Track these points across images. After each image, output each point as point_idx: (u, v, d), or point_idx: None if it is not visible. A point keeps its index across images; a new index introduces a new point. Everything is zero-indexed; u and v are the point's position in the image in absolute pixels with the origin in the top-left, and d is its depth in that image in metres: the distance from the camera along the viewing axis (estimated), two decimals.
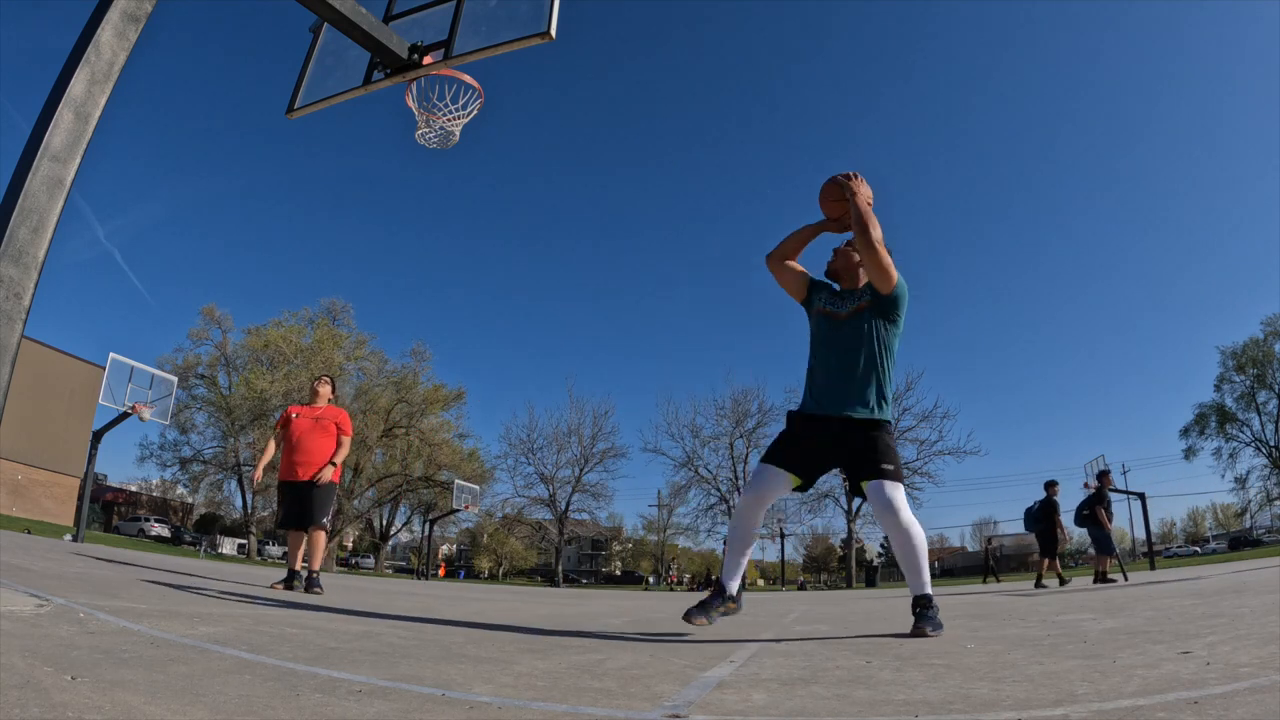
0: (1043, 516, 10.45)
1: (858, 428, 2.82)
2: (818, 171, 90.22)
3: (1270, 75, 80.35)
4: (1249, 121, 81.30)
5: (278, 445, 5.98)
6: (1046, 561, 10.40)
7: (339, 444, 5.80)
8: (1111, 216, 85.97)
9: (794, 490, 2.93)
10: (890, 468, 2.75)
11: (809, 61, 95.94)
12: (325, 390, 6.05)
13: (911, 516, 2.71)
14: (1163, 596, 4.89)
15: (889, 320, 2.91)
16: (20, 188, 2.36)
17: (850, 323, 2.93)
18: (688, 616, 2.90)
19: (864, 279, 3.00)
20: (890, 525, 2.72)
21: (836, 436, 2.84)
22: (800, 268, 3.17)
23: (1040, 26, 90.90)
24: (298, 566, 5.85)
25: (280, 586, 5.61)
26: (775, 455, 2.91)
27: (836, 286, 3.14)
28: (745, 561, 3.06)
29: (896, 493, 2.71)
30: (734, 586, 2.99)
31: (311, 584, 5.45)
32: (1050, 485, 10.66)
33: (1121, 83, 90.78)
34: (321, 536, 5.69)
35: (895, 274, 2.88)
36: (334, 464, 5.71)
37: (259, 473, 5.90)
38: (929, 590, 2.76)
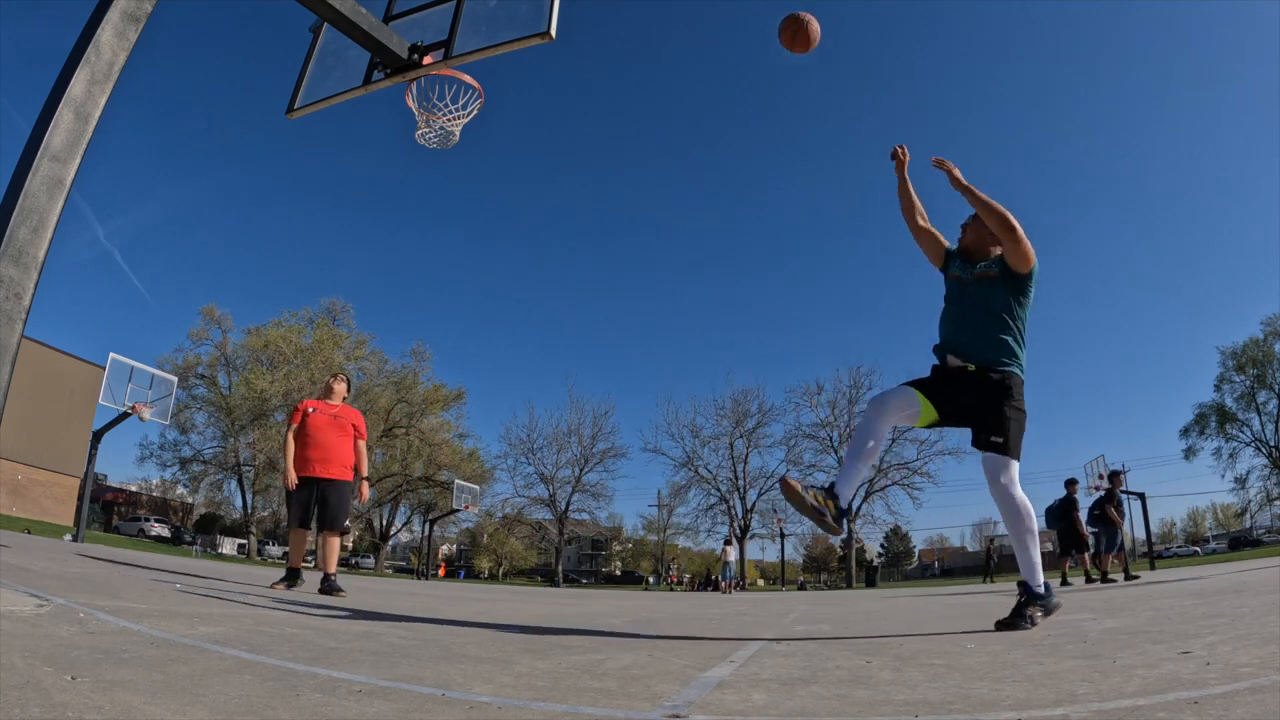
0: (1063, 514, 10.57)
1: (988, 384, 2.86)
2: (818, 170, 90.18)
3: (1271, 74, 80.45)
4: (1249, 121, 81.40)
5: (295, 439, 5.71)
6: (1079, 558, 10.52)
7: (358, 451, 5.70)
8: (1111, 216, 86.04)
9: (924, 425, 2.94)
10: (1000, 440, 2.78)
11: (809, 61, 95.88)
12: (341, 388, 5.88)
13: (1015, 492, 2.76)
14: (1163, 596, 4.89)
15: (1019, 293, 2.97)
16: (20, 188, 2.36)
17: (976, 285, 3.03)
18: (784, 482, 2.72)
19: (995, 251, 3.07)
20: (994, 498, 2.81)
21: (967, 387, 2.90)
22: (937, 235, 3.28)
23: (1040, 26, 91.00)
24: (299, 565, 5.69)
25: (281, 586, 5.48)
26: (915, 382, 2.96)
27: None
28: (863, 472, 2.89)
29: (1003, 469, 2.77)
30: (846, 493, 2.77)
31: (333, 587, 5.31)
32: (1071, 483, 10.87)
33: (1121, 82, 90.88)
34: (338, 541, 5.61)
35: (1034, 258, 2.92)
36: (365, 479, 5.68)
37: (292, 475, 5.43)
38: (1033, 577, 2.78)
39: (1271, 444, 38.05)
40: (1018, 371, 2.91)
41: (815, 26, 3.31)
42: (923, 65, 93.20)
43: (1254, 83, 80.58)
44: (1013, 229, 2.87)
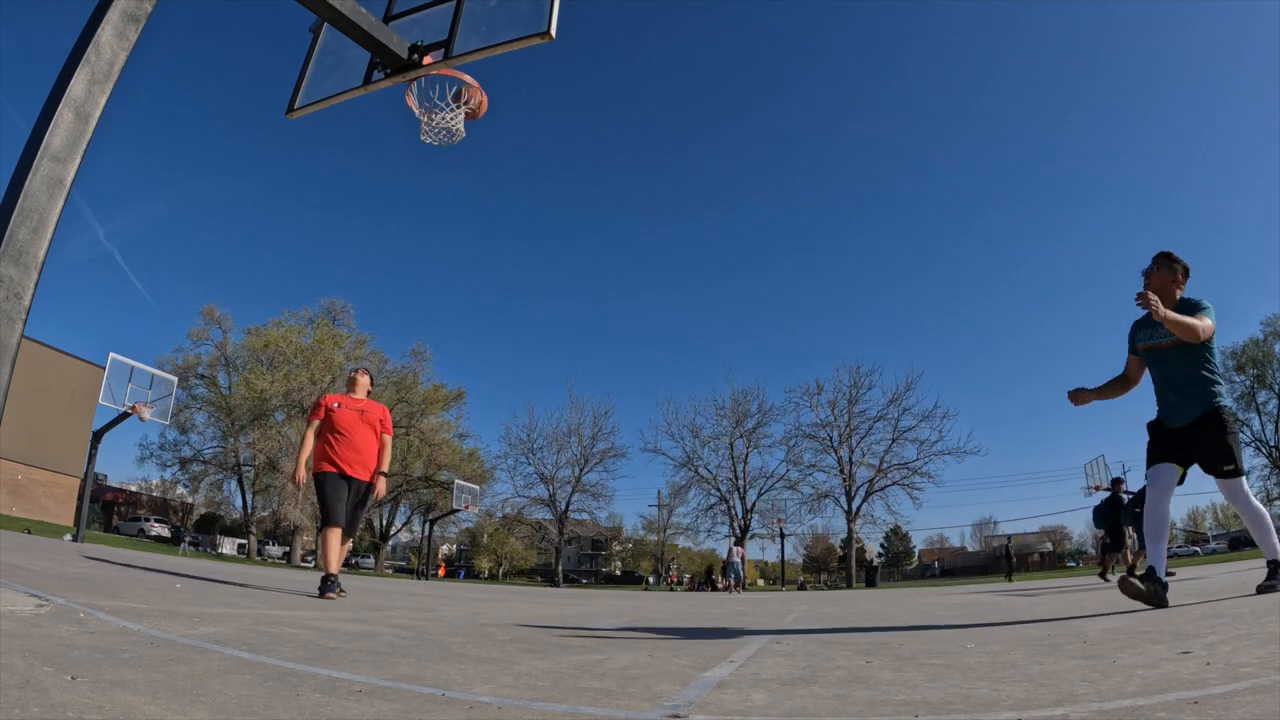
0: (1110, 513, 10.64)
1: (1203, 428, 3.59)
2: (818, 168, 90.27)
3: (1271, 74, 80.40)
4: (1248, 120, 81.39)
5: (316, 436, 5.31)
6: (1117, 557, 10.58)
7: (384, 445, 5.45)
8: (1111, 215, 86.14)
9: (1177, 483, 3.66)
10: (1230, 468, 3.50)
11: (809, 59, 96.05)
12: (365, 381, 5.57)
13: (1253, 503, 3.56)
14: None
15: (1207, 348, 3.69)
16: (20, 188, 2.36)
17: (1172, 351, 3.74)
18: (1128, 590, 3.46)
19: (1178, 294, 3.79)
20: (1239, 511, 3.61)
21: (1191, 438, 3.62)
22: (1132, 369, 4.01)
23: (1037, 26, 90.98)
24: (334, 569, 5.12)
25: (334, 595, 4.99)
26: (1162, 454, 3.66)
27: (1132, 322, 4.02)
28: (1165, 548, 3.64)
29: (1240, 488, 3.53)
30: (1163, 571, 3.55)
31: (337, 586, 5.12)
32: (1117, 482, 11.03)
33: (1120, 81, 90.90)
34: (348, 544, 5.30)
35: (1204, 335, 3.58)
36: (383, 473, 5.40)
37: (301, 472, 5.18)
38: (1276, 555, 3.65)
39: (1272, 444, 38.07)
40: (1225, 403, 3.64)
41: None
42: (921, 61, 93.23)
43: (1256, 81, 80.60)
44: (1197, 336, 3.54)
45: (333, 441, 5.19)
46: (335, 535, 5.03)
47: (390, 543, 49.12)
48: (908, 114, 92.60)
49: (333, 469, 5.09)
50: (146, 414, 15.81)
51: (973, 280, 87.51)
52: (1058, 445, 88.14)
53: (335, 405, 5.32)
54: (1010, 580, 20.17)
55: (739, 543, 24.01)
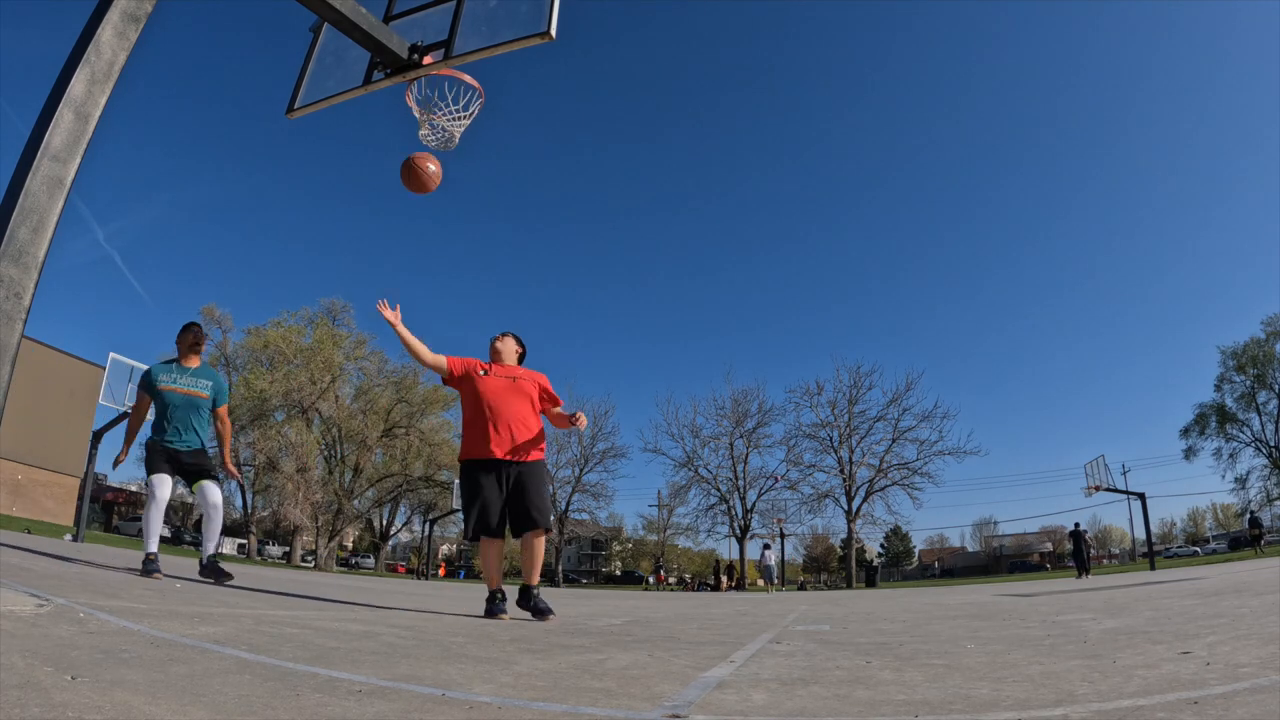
0: None
1: None
2: (819, 167, 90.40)
3: (1273, 71, 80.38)
4: (1249, 119, 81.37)
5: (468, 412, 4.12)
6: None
7: (553, 417, 4.32)
8: (1112, 215, 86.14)
9: None
10: None
11: (807, 57, 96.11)
12: (511, 344, 4.36)
13: None
14: (1163, 596, 4.88)
15: None
16: (20, 188, 2.36)
17: None
18: None
19: None
20: None
21: None
22: None
23: (1035, 14, 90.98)
24: (499, 585, 4.08)
25: (506, 616, 3.94)
26: None
27: None
28: None
29: None
30: None
31: (544, 606, 3.99)
32: None
33: (1120, 76, 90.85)
34: (543, 541, 4.05)
35: None
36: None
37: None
38: None
39: (1272, 444, 38.03)
40: None
41: (424, 169, 3.91)
42: (919, 56, 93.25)
43: (1257, 80, 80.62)
44: None
45: (478, 420, 4.04)
46: (492, 545, 4.03)
47: (390, 543, 49.08)
48: (905, 106, 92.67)
49: (480, 455, 3.96)
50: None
51: (973, 279, 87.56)
52: (1058, 445, 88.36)
53: (482, 372, 4.16)
54: (1085, 576, 16.68)
55: (769, 546, 25.56)
